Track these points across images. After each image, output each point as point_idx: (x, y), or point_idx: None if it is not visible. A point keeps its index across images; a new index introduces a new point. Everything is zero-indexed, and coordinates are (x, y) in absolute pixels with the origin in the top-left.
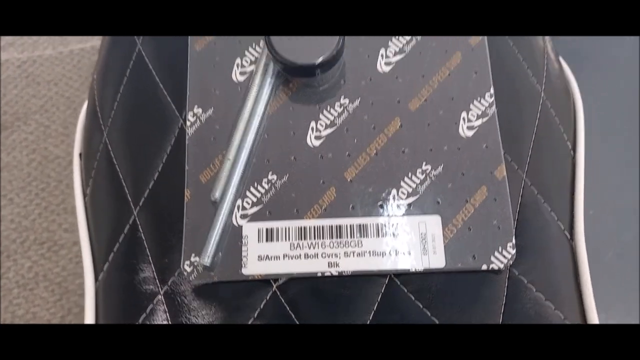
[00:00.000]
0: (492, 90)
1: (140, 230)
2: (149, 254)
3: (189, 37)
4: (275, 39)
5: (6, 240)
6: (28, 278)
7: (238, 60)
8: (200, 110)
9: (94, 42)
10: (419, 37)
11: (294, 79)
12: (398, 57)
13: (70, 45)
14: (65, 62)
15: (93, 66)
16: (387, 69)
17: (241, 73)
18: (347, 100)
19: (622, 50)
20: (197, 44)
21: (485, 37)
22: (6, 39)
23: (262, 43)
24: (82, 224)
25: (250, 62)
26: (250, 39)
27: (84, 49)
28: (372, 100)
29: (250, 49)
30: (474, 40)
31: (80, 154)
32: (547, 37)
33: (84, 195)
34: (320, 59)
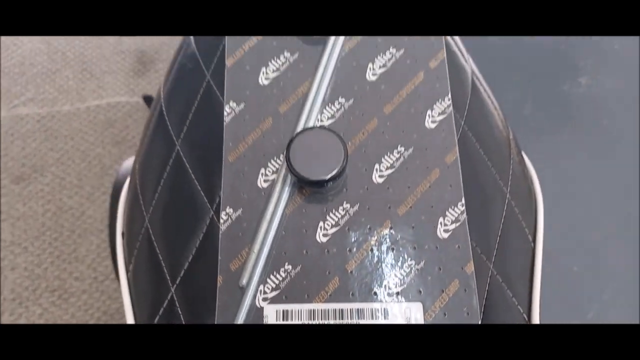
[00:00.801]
0: (463, 201)
1: (177, 305)
2: None
3: (224, 149)
4: (293, 157)
5: (19, 287)
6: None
7: (262, 170)
8: (231, 210)
9: (109, 99)
10: (406, 155)
11: (307, 187)
12: (389, 171)
13: (87, 102)
14: (82, 118)
15: (108, 122)
16: (380, 180)
17: (265, 181)
18: (348, 205)
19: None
20: (230, 156)
21: (458, 156)
22: (27, 95)
23: (282, 157)
24: (126, 295)
25: (272, 172)
26: (272, 153)
27: (100, 105)
28: (368, 205)
29: (272, 161)
30: (449, 158)
31: (122, 233)
32: (511, 136)
33: (127, 270)
34: (329, 176)
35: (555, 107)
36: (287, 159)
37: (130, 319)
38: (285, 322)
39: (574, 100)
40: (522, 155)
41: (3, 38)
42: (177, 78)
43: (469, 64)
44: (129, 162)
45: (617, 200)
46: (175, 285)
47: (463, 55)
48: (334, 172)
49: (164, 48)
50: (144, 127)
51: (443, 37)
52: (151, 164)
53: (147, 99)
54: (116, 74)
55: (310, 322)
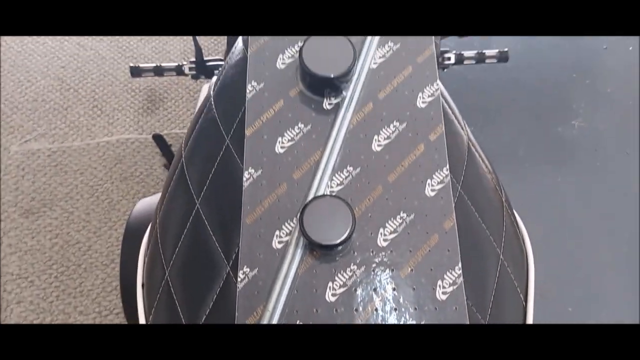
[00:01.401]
0: (459, 265)
1: None
2: None
3: (243, 211)
4: (306, 222)
5: (24, 321)
6: None
7: (277, 232)
8: (248, 269)
9: (119, 136)
10: (407, 220)
11: (318, 250)
12: (393, 235)
13: (97, 138)
14: (92, 153)
15: (117, 158)
16: (384, 243)
17: (279, 242)
18: (355, 267)
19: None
20: (248, 219)
21: (455, 223)
22: (39, 130)
23: (295, 220)
24: None
25: (286, 234)
26: (286, 216)
27: (109, 142)
28: (373, 267)
29: (287, 224)
30: (447, 224)
31: (142, 284)
32: (504, 198)
33: (147, 320)
34: (338, 240)
35: (550, 149)
36: (301, 224)
37: None
38: None
39: (568, 142)
40: (514, 216)
41: (17, 74)
42: (198, 140)
43: (465, 131)
44: (140, 206)
45: (612, 240)
46: None
47: (459, 122)
48: (342, 237)
49: (173, 87)
50: (164, 183)
51: (441, 111)
52: (172, 220)
53: (157, 138)
54: (126, 111)
55: None
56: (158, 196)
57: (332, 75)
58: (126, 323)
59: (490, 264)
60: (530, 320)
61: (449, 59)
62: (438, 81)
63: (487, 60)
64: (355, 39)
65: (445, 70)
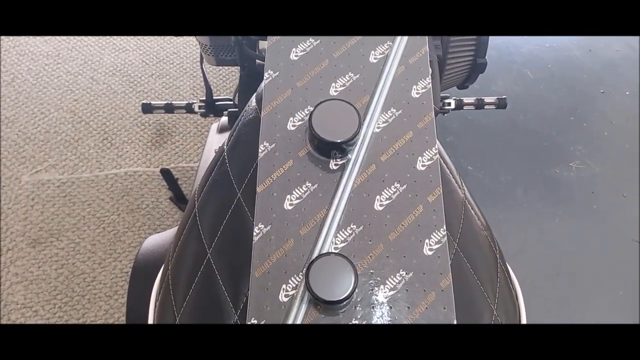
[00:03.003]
0: (455, 322)
1: None
2: None
3: (252, 265)
4: (311, 279)
5: None
6: None
7: (284, 286)
8: (256, 321)
9: (127, 169)
10: (407, 278)
11: (322, 305)
12: (392, 292)
13: (105, 170)
14: (100, 185)
15: (124, 190)
16: (384, 300)
17: (285, 295)
18: (357, 322)
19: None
20: (257, 272)
21: (451, 282)
22: (50, 161)
23: (301, 275)
24: None
25: (292, 288)
26: (293, 271)
27: (118, 174)
28: (374, 322)
29: (293, 278)
30: (444, 283)
31: None
32: (498, 254)
33: None
34: (342, 297)
35: (547, 190)
36: (307, 281)
37: None
38: None
39: (565, 184)
40: (508, 272)
41: (31, 106)
42: (210, 192)
43: (462, 189)
44: (149, 243)
45: (608, 281)
46: None
47: (457, 181)
48: (345, 294)
49: (181, 122)
50: (178, 228)
51: (439, 174)
52: (184, 267)
53: (164, 172)
54: (135, 144)
55: None
56: (165, 234)
57: (338, 141)
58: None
59: (483, 318)
60: None
61: (449, 104)
62: (437, 145)
63: (486, 107)
64: (360, 104)
65: (445, 115)
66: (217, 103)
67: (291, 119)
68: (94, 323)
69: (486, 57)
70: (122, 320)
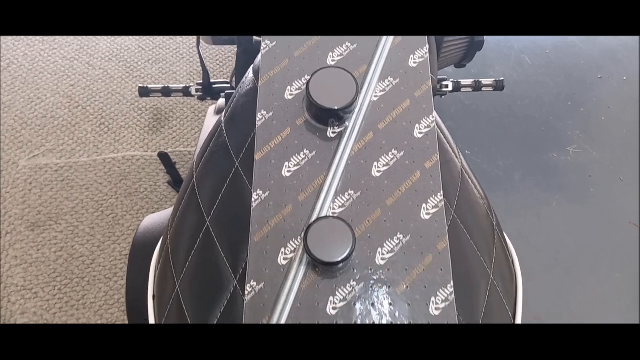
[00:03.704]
0: (452, 283)
1: None
2: None
3: (251, 230)
4: (310, 241)
5: None
6: None
7: (283, 250)
8: (255, 283)
9: (125, 153)
10: (404, 241)
11: (321, 266)
12: (390, 255)
13: (103, 154)
14: (98, 169)
15: (122, 174)
16: (382, 262)
17: (284, 259)
18: (354, 283)
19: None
20: (256, 236)
21: (448, 245)
22: (47, 146)
23: (299, 239)
24: None
25: (290, 252)
26: (291, 235)
27: (115, 158)
28: (371, 284)
29: (291, 242)
30: (441, 245)
31: (153, 296)
32: (495, 222)
33: None
34: (340, 258)
35: (544, 174)
36: (305, 243)
37: None
38: None
39: (562, 168)
40: (504, 239)
41: (28, 91)
42: (209, 162)
43: (459, 159)
44: (147, 222)
45: (604, 265)
46: None
47: (454, 151)
48: (344, 256)
49: (178, 107)
50: (176, 201)
51: (437, 141)
52: (183, 236)
53: (162, 156)
54: (132, 129)
55: None
56: (164, 213)
57: (336, 108)
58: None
59: (480, 283)
60: None
61: (446, 86)
62: (434, 114)
63: (484, 89)
64: (358, 72)
65: (443, 97)
66: (214, 86)
67: (289, 87)
68: (93, 323)
69: (484, 40)
70: (122, 301)
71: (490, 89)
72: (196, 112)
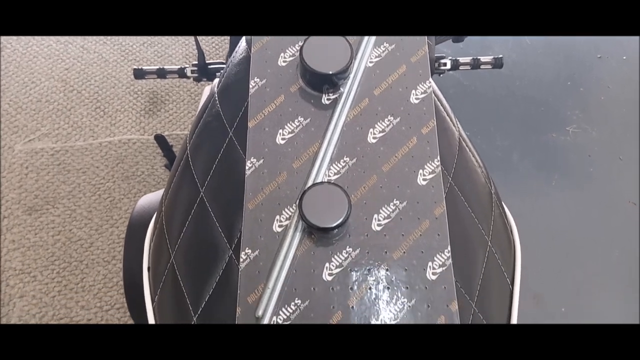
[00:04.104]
0: (449, 248)
1: None
2: None
3: (245, 198)
4: (305, 207)
5: (27, 315)
6: None
7: (277, 217)
8: (250, 251)
9: (121, 137)
10: (400, 207)
11: (316, 233)
12: (386, 221)
13: (99, 138)
14: (94, 153)
15: (119, 157)
16: (378, 228)
17: (279, 226)
18: (351, 249)
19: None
20: (250, 204)
21: (445, 210)
22: (42, 130)
23: (294, 206)
24: (152, 322)
25: (285, 219)
26: (286, 202)
27: (112, 142)
28: (368, 250)
29: (286, 209)
30: (438, 211)
31: (148, 268)
32: (493, 190)
33: (152, 301)
34: (335, 224)
35: (544, 154)
36: (300, 208)
37: None
38: None
39: (562, 148)
40: (503, 208)
41: (22, 75)
42: (202, 133)
43: (457, 127)
44: (143, 201)
45: (603, 244)
46: (197, 315)
47: (452, 119)
48: (339, 221)
49: (174, 90)
50: (170, 174)
51: (433, 107)
52: (177, 207)
53: (159, 139)
54: (128, 112)
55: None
56: (160, 192)
57: (330, 72)
58: (127, 316)
59: (478, 250)
60: (516, 302)
61: (445, 64)
62: (430, 79)
63: (482, 66)
64: (352, 39)
65: (441, 75)
66: (209, 67)
67: (282, 54)
68: (93, 323)
69: None
70: (121, 284)
71: (488, 66)
72: (192, 95)
